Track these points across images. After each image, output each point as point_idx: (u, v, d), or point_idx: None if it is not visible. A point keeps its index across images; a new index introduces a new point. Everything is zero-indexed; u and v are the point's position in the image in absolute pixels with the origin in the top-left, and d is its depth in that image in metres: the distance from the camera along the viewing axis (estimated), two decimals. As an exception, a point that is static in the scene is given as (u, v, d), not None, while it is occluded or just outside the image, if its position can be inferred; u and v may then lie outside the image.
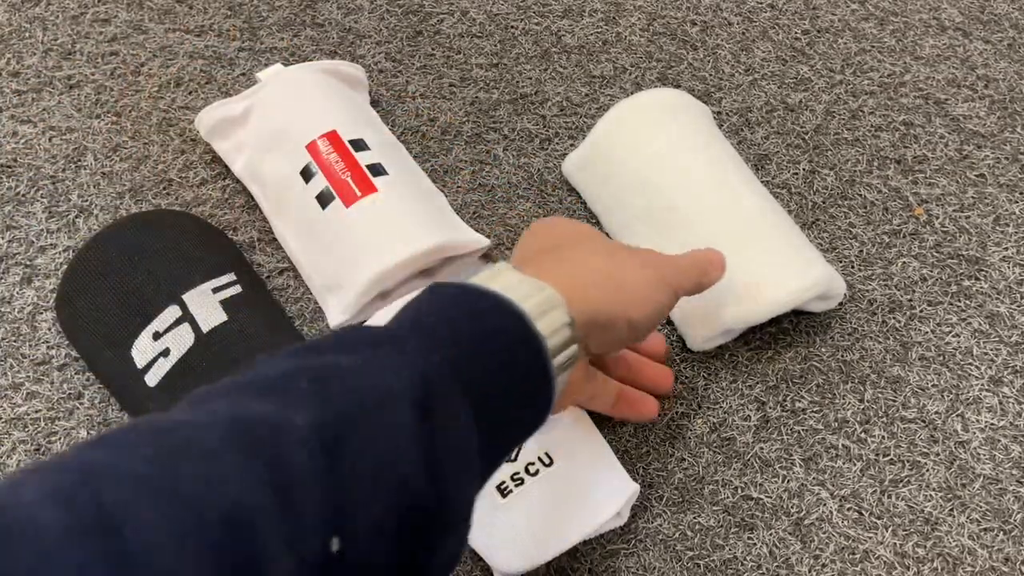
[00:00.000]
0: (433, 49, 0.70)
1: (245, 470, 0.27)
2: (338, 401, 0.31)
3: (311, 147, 0.57)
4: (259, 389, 0.31)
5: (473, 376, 0.35)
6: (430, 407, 0.32)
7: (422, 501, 0.31)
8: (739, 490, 0.53)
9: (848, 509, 0.53)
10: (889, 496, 0.53)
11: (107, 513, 0.24)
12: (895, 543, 0.52)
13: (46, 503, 0.24)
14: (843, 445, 0.55)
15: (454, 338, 0.35)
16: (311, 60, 0.67)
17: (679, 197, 0.57)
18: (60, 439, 0.54)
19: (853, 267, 0.61)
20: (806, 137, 0.67)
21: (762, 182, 0.65)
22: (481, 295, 0.37)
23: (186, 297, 0.54)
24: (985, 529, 0.52)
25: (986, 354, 0.58)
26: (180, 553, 0.24)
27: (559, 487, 0.49)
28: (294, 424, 0.29)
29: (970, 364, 0.58)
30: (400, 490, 0.30)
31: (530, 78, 0.69)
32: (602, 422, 0.55)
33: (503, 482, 0.49)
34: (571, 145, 0.66)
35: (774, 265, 0.55)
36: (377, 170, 0.57)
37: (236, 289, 0.55)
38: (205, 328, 0.53)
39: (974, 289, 0.60)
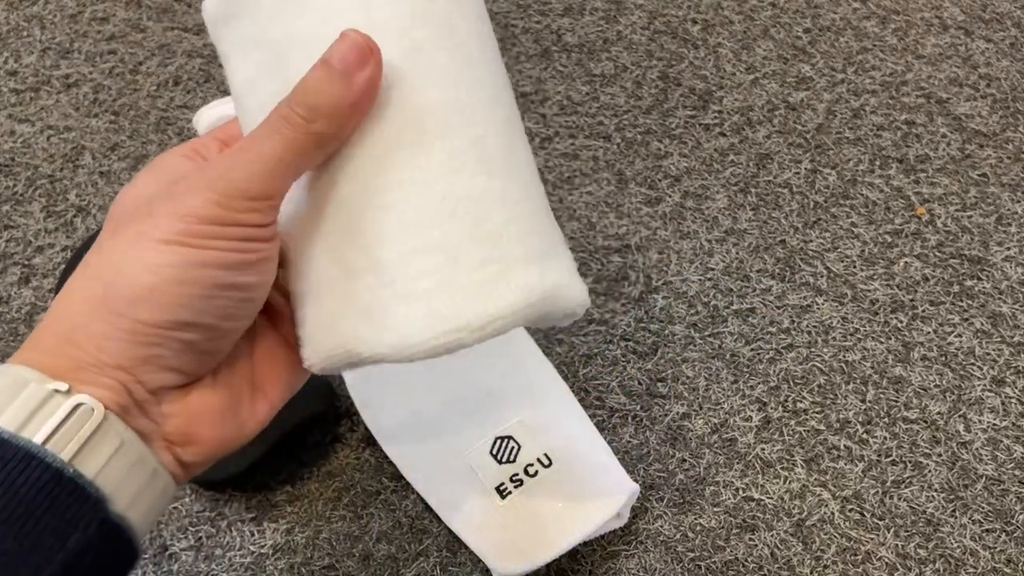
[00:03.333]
0: (433, 48, 0.70)
1: None
2: None
3: (310, 146, 0.57)
4: None
5: None
6: None
7: None
8: (740, 491, 0.53)
9: (850, 510, 0.52)
10: (891, 497, 0.53)
11: None
12: (897, 544, 0.51)
13: None
14: (845, 446, 0.54)
15: None
16: (310, 59, 0.67)
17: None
18: (58, 440, 0.53)
19: (855, 267, 0.61)
20: (808, 136, 0.67)
21: (764, 182, 0.65)
22: None
23: (184, 297, 0.53)
24: (987, 530, 0.52)
25: (988, 354, 0.58)
26: None
27: (558, 488, 0.49)
28: None
29: (972, 364, 0.57)
30: None
31: (530, 77, 0.69)
32: (602, 423, 0.55)
33: (502, 484, 0.49)
34: (571, 144, 0.65)
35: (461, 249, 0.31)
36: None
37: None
38: (203, 328, 0.53)
39: (976, 289, 0.60)
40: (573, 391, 0.53)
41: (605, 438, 0.52)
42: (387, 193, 0.31)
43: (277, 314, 0.35)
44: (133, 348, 0.29)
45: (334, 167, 0.32)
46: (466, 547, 0.50)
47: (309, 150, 0.30)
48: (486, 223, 0.31)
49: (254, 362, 0.34)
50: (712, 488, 0.53)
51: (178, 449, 0.31)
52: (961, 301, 0.60)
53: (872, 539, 0.52)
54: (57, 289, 0.56)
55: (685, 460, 0.54)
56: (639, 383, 0.56)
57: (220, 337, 0.31)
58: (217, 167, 0.30)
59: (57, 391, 0.28)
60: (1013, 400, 0.56)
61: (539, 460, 0.49)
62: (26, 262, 0.59)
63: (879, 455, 0.54)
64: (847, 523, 0.52)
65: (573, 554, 0.50)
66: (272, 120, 0.30)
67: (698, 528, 0.52)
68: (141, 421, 0.29)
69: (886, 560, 0.51)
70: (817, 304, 0.59)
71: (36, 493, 0.26)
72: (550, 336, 0.57)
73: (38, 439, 0.26)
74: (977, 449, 0.54)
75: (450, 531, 0.50)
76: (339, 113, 0.30)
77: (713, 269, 0.60)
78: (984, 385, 0.57)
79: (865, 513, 0.52)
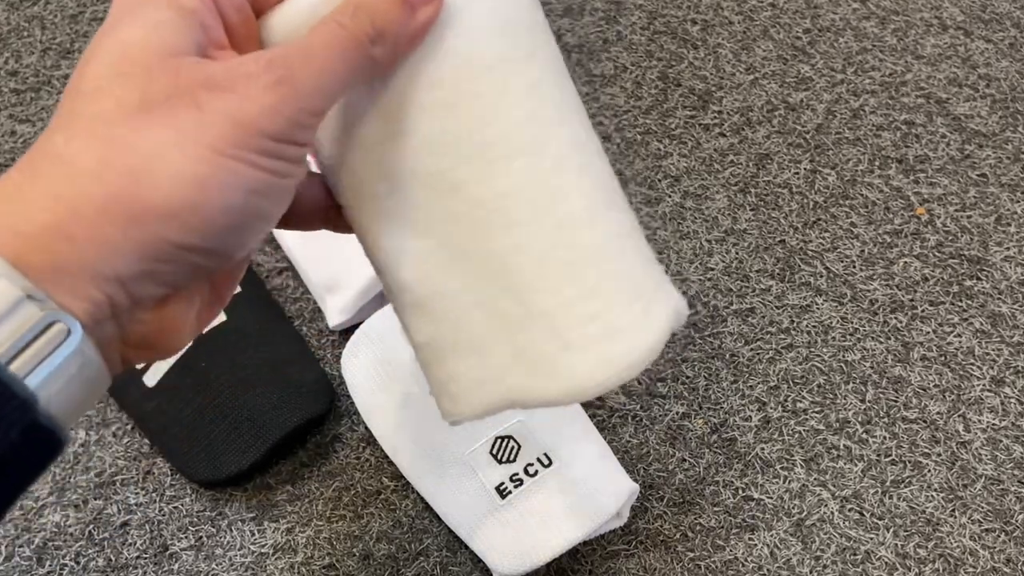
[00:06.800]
0: (433, 48, 0.70)
1: None
2: None
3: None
4: None
5: None
6: None
7: None
8: (740, 491, 0.53)
9: (849, 510, 0.52)
10: (890, 497, 0.53)
11: None
12: (896, 544, 0.52)
13: None
14: (844, 445, 0.54)
15: None
16: (310, 59, 0.67)
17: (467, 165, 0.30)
18: (58, 439, 0.53)
19: (855, 267, 0.61)
20: (807, 136, 0.67)
21: (764, 182, 0.65)
22: None
23: (184, 297, 0.53)
24: (987, 530, 0.52)
25: (988, 354, 0.58)
26: None
27: (558, 488, 0.49)
28: None
29: (972, 364, 0.57)
30: None
31: (530, 77, 0.69)
32: (602, 423, 0.55)
33: (502, 483, 0.49)
34: (571, 144, 0.65)
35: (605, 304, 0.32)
36: (376, 170, 0.56)
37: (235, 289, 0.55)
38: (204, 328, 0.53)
39: (976, 289, 0.60)
40: (573, 391, 0.53)
41: (605, 438, 0.52)
42: (537, 240, 0.31)
43: None
44: (142, 263, 0.25)
45: (466, 212, 0.31)
46: (466, 547, 0.50)
47: (359, 75, 0.28)
48: (625, 258, 0.32)
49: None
50: (712, 488, 0.53)
51: (132, 352, 0.28)
52: (960, 301, 0.60)
53: (871, 539, 0.52)
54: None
55: (685, 460, 0.54)
56: (639, 383, 0.56)
57: (226, 263, 0.28)
58: (276, 67, 0.25)
59: (31, 297, 0.23)
60: (1012, 400, 0.56)
61: (539, 460, 0.50)
62: (27, 262, 0.59)
63: (878, 455, 0.54)
64: (846, 523, 0.52)
65: (573, 554, 0.50)
66: (330, 32, 0.27)
67: (698, 528, 0.52)
68: (108, 329, 0.26)
69: (885, 560, 0.51)
70: (817, 304, 0.59)
71: None
72: (550, 336, 0.58)
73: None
74: (976, 449, 0.55)
75: (450, 531, 0.50)
76: (399, 43, 0.28)
77: (713, 269, 0.60)
78: (983, 385, 0.57)
79: (864, 513, 0.52)
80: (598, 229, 0.32)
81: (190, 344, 0.52)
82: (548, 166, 0.31)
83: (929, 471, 0.54)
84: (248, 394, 0.52)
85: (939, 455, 0.54)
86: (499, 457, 0.50)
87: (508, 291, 0.31)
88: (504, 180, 0.31)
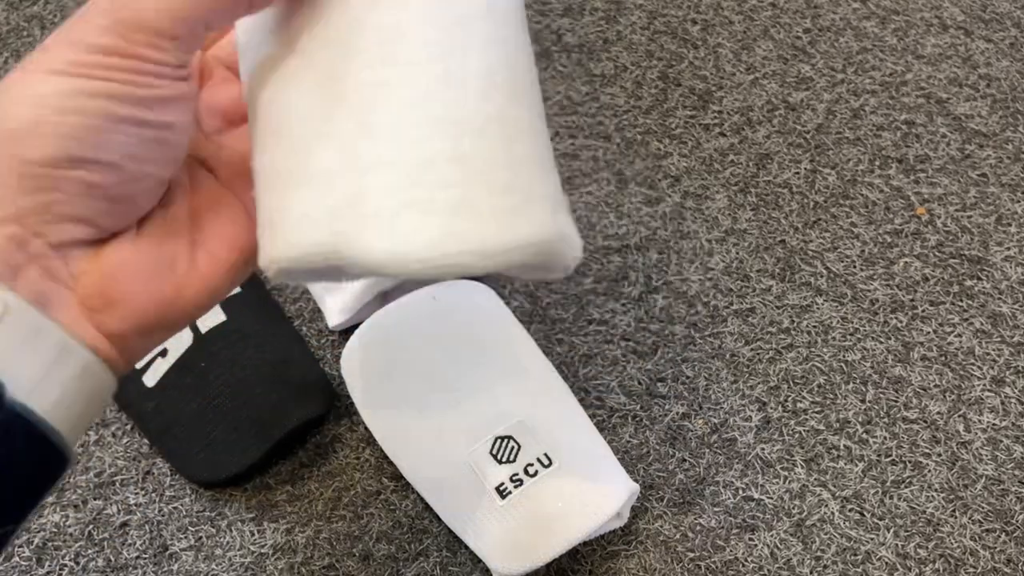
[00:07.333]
0: (433, 48, 0.70)
1: None
2: None
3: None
4: None
5: None
6: None
7: None
8: (740, 491, 0.53)
9: (850, 510, 0.52)
10: (891, 497, 0.53)
11: None
12: (897, 544, 0.51)
13: None
14: (845, 446, 0.54)
15: None
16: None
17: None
18: (58, 439, 0.53)
19: (855, 267, 0.61)
20: (808, 136, 0.67)
21: (764, 182, 0.65)
22: None
23: (184, 297, 0.53)
24: (987, 530, 0.52)
25: (988, 354, 0.58)
26: None
27: (558, 488, 0.49)
28: None
29: (972, 364, 0.57)
30: None
31: (530, 77, 0.69)
32: (602, 423, 0.55)
33: (502, 483, 0.49)
34: (571, 144, 0.65)
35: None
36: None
37: (235, 289, 0.55)
38: (203, 328, 0.53)
39: (976, 289, 0.60)
40: (573, 391, 0.53)
41: (605, 438, 0.52)
42: (416, 84, 0.28)
43: (221, 168, 0.31)
44: (22, 195, 0.25)
45: (347, 37, 0.28)
46: (466, 547, 0.50)
47: (234, 7, 0.28)
48: (513, 149, 0.29)
49: (194, 216, 0.30)
50: (712, 488, 0.53)
51: (100, 316, 0.27)
52: (961, 301, 0.60)
53: (872, 539, 0.52)
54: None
55: (685, 460, 0.54)
56: (639, 383, 0.56)
57: (130, 181, 0.27)
58: None
59: None
60: (1013, 400, 0.56)
61: (539, 460, 0.49)
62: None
63: (879, 455, 0.54)
64: (847, 523, 0.52)
65: (573, 554, 0.50)
66: None
67: (698, 528, 0.52)
68: (39, 282, 0.26)
69: (886, 560, 0.51)
70: (817, 304, 0.59)
71: None
72: (550, 336, 0.57)
73: None
74: (977, 449, 0.55)
75: (450, 531, 0.50)
76: None
77: (713, 269, 0.60)
78: (984, 385, 0.57)
79: (865, 513, 0.52)
80: (492, 102, 0.28)
81: (190, 344, 0.52)
82: (452, 17, 0.28)
83: (929, 471, 0.54)
84: (248, 394, 0.52)
85: (939, 455, 0.54)
86: (499, 457, 0.50)
87: (366, 128, 0.28)
88: (396, 14, 0.28)
